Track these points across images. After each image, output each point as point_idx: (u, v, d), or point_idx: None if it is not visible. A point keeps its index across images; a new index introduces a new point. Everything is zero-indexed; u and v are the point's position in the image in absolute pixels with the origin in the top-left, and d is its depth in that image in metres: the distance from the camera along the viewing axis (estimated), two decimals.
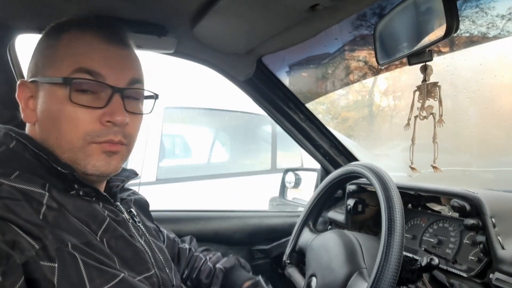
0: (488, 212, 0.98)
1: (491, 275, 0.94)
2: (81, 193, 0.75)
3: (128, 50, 0.81)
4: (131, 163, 2.74)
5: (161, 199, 2.88)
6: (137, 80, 0.80)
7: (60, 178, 0.73)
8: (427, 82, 0.86)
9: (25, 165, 0.71)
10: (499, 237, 0.95)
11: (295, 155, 3.95)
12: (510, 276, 0.89)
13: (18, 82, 0.79)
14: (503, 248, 0.94)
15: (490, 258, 0.96)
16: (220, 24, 1.09)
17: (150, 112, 0.86)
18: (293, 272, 1.22)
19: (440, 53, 1.67)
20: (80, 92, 0.73)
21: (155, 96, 0.87)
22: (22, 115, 0.78)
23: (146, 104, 0.87)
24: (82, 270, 0.64)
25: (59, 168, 0.72)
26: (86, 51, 0.75)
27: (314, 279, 1.05)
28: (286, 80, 1.60)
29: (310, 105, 1.67)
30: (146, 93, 0.85)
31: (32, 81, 0.77)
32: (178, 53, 1.29)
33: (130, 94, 0.79)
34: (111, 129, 0.75)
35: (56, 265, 0.61)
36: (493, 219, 0.97)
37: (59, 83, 0.73)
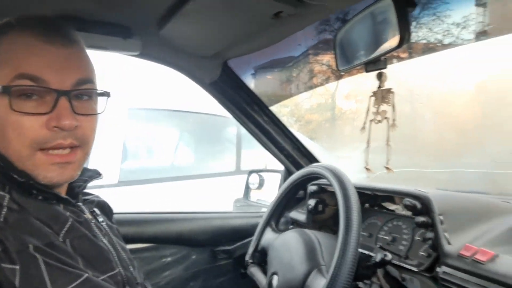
0: (436, 210, 1.04)
1: (438, 269, 1.00)
2: (40, 197, 0.73)
3: (73, 49, 0.76)
4: (92, 165, 2.68)
5: (123, 201, 2.83)
6: (86, 80, 0.76)
7: (18, 184, 0.71)
8: (381, 88, 0.92)
9: None
10: (446, 234, 1.02)
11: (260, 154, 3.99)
12: (455, 269, 0.95)
13: None
14: (449, 243, 1.00)
15: (438, 253, 1.02)
16: (187, 27, 1.10)
17: (103, 111, 0.82)
18: (255, 271, 1.24)
19: (399, 58, 1.75)
20: (23, 99, 0.70)
21: (107, 94, 0.82)
22: None
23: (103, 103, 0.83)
24: (44, 272, 0.63)
25: (15, 176, 0.70)
26: (25, 55, 0.70)
27: (275, 277, 1.08)
28: (251, 83, 1.63)
29: (274, 108, 1.71)
30: (99, 91, 0.81)
31: None
32: (143, 55, 1.28)
33: (80, 95, 0.76)
34: (59, 133, 0.71)
35: (17, 267, 0.61)
36: (441, 217, 1.04)
37: (0, 91, 0.69)
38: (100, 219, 0.89)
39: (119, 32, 1.13)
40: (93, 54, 0.85)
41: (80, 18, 1.05)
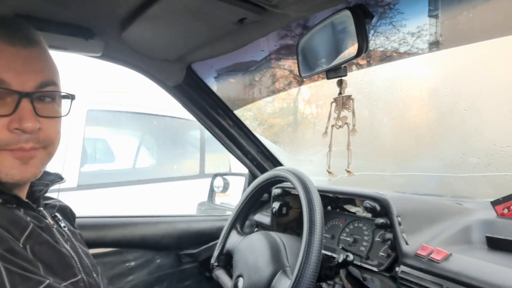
0: (394, 212, 1.10)
1: (397, 268, 1.05)
2: (0, 200, 0.71)
3: (36, 50, 0.74)
4: (50, 168, 2.59)
5: (83, 206, 2.75)
6: (49, 82, 0.75)
7: None
8: (342, 95, 0.95)
9: None
10: (403, 234, 1.07)
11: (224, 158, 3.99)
12: (412, 269, 1.00)
13: None
14: (407, 243, 1.05)
15: (397, 253, 1.07)
16: (150, 30, 1.09)
17: (67, 114, 0.81)
18: (220, 274, 1.25)
19: (358, 65, 1.81)
20: None
21: (71, 97, 0.81)
22: None
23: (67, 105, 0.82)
24: (5, 278, 0.61)
25: None
26: None
27: (241, 279, 1.09)
28: (215, 86, 1.63)
29: (238, 112, 1.72)
30: (63, 94, 0.80)
31: None
32: (105, 56, 1.27)
33: (43, 97, 0.75)
34: (21, 136, 0.70)
35: None
36: (399, 218, 1.09)
37: None
38: (62, 224, 0.87)
39: (81, 33, 1.10)
40: (55, 56, 0.83)
41: (40, 18, 1.02)
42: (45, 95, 0.75)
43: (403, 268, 1.03)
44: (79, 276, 0.77)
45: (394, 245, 1.08)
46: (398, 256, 1.07)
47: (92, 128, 3.18)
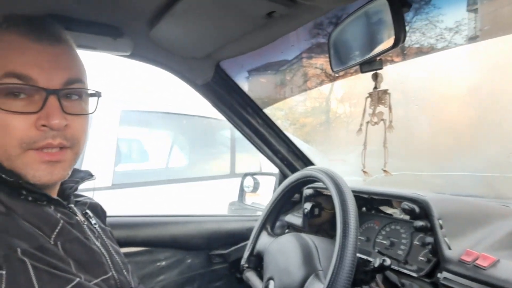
0: (435, 214, 1.03)
1: (439, 275, 0.98)
2: (30, 198, 0.72)
3: (62, 47, 0.75)
4: (85, 167, 2.65)
5: (117, 204, 2.80)
6: (75, 80, 0.75)
7: (7, 185, 0.69)
8: (377, 90, 0.90)
9: None
10: (446, 238, 1.00)
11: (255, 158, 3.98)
12: (456, 275, 0.93)
13: None
14: (449, 248, 0.99)
15: (438, 258, 1.00)
16: (177, 27, 1.08)
17: (94, 111, 0.81)
18: (251, 276, 1.22)
19: (392, 62, 1.75)
20: (11, 98, 0.69)
21: (97, 94, 0.82)
22: None
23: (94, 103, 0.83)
24: (32, 276, 0.61)
25: (4, 176, 0.68)
26: (12, 53, 0.70)
27: (271, 282, 1.06)
28: (244, 85, 1.61)
29: (268, 111, 1.69)
30: (89, 91, 0.80)
31: None
32: (134, 55, 1.26)
33: (69, 94, 0.75)
34: (48, 133, 0.70)
35: (4, 272, 0.59)
36: (440, 221, 1.02)
37: None
38: (93, 221, 0.87)
39: (109, 31, 1.11)
40: (85, 55, 0.83)
41: (70, 17, 1.03)
42: (72, 93, 0.76)
43: (445, 274, 0.97)
44: (110, 274, 0.77)
45: (436, 250, 1.01)
46: (439, 261, 1.00)
47: (126, 128, 3.23)
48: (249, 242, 1.26)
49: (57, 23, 0.79)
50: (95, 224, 0.87)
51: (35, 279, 0.61)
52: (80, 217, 0.82)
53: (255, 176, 2.21)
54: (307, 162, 1.78)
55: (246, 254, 1.26)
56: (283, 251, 1.10)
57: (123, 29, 1.13)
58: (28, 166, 0.70)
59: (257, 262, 1.24)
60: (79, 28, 1.06)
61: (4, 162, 0.70)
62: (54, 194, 0.80)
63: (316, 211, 1.45)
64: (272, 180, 1.94)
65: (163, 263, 1.54)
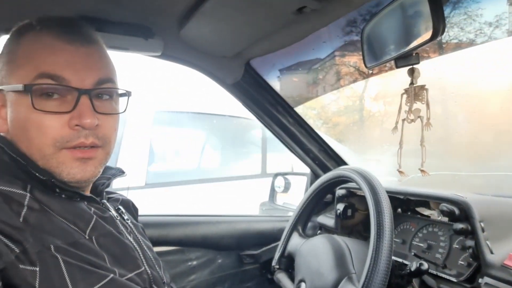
0: (477, 216, 0.98)
1: (480, 280, 0.93)
2: (63, 195, 0.73)
3: (93, 48, 0.77)
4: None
5: (150, 203, 2.85)
6: (106, 79, 0.76)
7: (41, 183, 0.71)
8: (414, 85, 0.86)
9: (4, 167, 0.70)
10: (488, 242, 0.95)
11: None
12: (498, 281, 0.88)
13: None
14: (492, 252, 0.94)
15: (479, 262, 0.95)
16: (207, 26, 1.08)
17: (124, 111, 0.83)
18: (282, 278, 1.20)
19: (429, 57, 1.69)
20: (44, 98, 0.70)
21: (128, 94, 0.83)
22: None
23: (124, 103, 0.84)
24: (65, 273, 0.62)
25: (37, 174, 0.70)
26: (45, 54, 0.71)
27: (303, 284, 1.04)
28: (275, 84, 1.59)
29: (300, 110, 1.66)
30: (120, 91, 0.81)
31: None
32: (165, 55, 1.27)
33: (100, 94, 0.76)
34: (81, 132, 0.72)
35: (37, 268, 0.60)
36: (482, 224, 0.97)
37: (21, 90, 0.70)
38: (125, 217, 0.88)
39: (141, 32, 1.12)
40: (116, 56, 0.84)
41: (101, 19, 1.05)
42: (103, 92, 0.77)
43: (487, 279, 0.91)
44: (143, 268, 0.78)
45: (477, 254, 0.96)
46: (481, 266, 0.95)
47: (159, 128, 3.28)
48: (280, 243, 1.25)
49: (88, 24, 0.81)
50: (127, 219, 0.88)
51: (67, 275, 0.62)
52: (113, 212, 0.83)
53: (286, 176, 2.18)
54: (339, 161, 1.74)
55: (277, 255, 1.24)
56: (315, 252, 1.07)
57: (154, 29, 1.14)
58: (63, 165, 0.72)
59: (288, 263, 1.22)
60: (111, 30, 1.08)
61: (39, 161, 0.72)
62: (87, 191, 0.82)
63: (349, 212, 1.42)
64: (304, 180, 1.91)
65: (194, 262, 1.55)
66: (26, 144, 0.72)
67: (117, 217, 0.84)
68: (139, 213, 1.05)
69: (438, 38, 0.75)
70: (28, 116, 0.70)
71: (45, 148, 0.71)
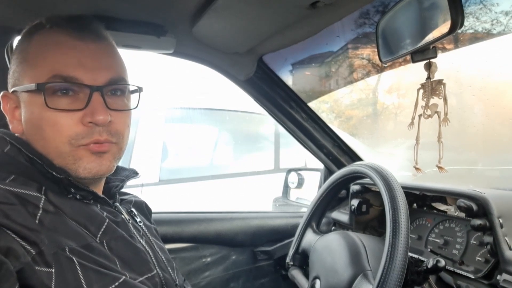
0: (495, 212, 0.96)
1: (498, 276, 0.92)
2: (78, 196, 0.74)
3: (104, 44, 0.78)
4: (133, 164, 2.73)
5: (164, 200, 2.87)
6: (118, 76, 0.77)
7: (55, 183, 0.72)
8: (431, 80, 0.84)
9: (20, 169, 0.70)
10: (506, 238, 0.93)
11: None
12: None
13: (0, 94, 0.77)
14: (510, 249, 0.92)
15: (498, 259, 0.94)
16: (219, 23, 1.07)
17: (136, 106, 0.83)
18: (296, 274, 1.20)
19: (444, 50, 1.65)
20: (57, 96, 0.71)
21: (139, 90, 0.83)
22: (10, 127, 0.77)
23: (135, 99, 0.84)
24: (80, 275, 0.63)
25: (54, 173, 0.70)
26: (57, 53, 0.72)
27: (317, 281, 1.04)
28: (287, 79, 1.58)
29: (312, 104, 1.65)
30: (131, 87, 0.82)
31: (13, 91, 0.76)
32: (177, 53, 1.27)
33: (113, 91, 0.77)
34: (94, 129, 0.72)
35: (53, 270, 0.60)
36: (500, 219, 0.95)
37: (34, 90, 0.70)
38: (138, 220, 0.88)
39: (153, 30, 1.12)
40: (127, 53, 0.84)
41: (114, 17, 1.05)
42: (115, 89, 0.78)
43: (505, 276, 0.90)
44: (154, 271, 0.78)
45: (495, 250, 0.94)
46: (499, 262, 0.93)
47: (172, 125, 3.30)
48: (294, 239, 1.24)
49: (97, 20, 0.81)
50: (140, 222, 0.88)
51: (82, 277, 0.63)
52: (125, 216, 0.83)
53: (299, 172, 2.17)
54: (354, 157, 1.72)
55: (291, 251, 1.24)
56: (330, 249, 1.06)
57: (166, 27, 1.13)
58: (80, 160, 0.73)
59: (303, 260, 1.22)
60: (124, 28, 1.08)
61: (55, 160, 0.72)
62: (99, 191, 0.82)
63: (364, 207, 1.41)
64: (317, 176, 1.90)
65: (209, 259, 1.56)
66: (42, 144, 0.72)
67: (129, 220, 0.84)
68: (154, 210, 1.05)
69: (458, 31, 0.73)
70: (42, 115, 0.71)
71: (61, 146, 0.71)
